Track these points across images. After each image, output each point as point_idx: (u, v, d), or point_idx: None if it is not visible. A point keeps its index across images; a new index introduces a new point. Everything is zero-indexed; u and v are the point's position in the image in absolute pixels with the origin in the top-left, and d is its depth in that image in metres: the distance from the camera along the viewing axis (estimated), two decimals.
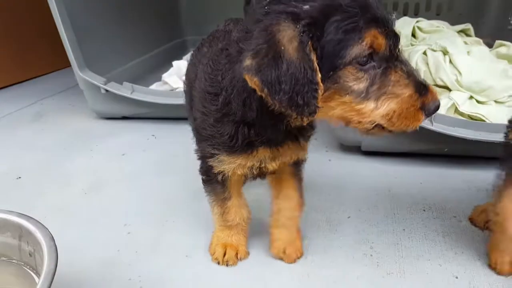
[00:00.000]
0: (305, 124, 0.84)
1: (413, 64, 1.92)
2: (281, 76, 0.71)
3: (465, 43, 2.01)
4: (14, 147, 2.11)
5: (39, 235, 0.84)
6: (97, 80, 2.18)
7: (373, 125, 0.81)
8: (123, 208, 1.50)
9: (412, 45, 2.16)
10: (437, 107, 0.80)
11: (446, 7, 2.81)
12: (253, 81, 0.73)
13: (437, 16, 2.79)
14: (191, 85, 1.16)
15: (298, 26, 0.70)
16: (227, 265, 1.18)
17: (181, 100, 2.10)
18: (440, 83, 1.84)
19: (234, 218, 1.17)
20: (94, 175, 1.76)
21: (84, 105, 2.42)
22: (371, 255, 1.18)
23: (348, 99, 0.79)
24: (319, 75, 0.73)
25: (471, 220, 1.30)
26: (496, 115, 1.71)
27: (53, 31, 2.13)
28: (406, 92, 0.77)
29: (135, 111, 2.26)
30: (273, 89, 0.72)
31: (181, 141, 2.03)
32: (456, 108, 1.75)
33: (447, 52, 1.86)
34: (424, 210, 1.37)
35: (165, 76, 2.50)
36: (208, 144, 1.00)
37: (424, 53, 1.94)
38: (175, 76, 2.46)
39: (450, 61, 1.85)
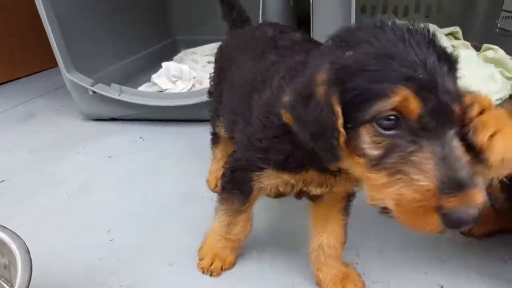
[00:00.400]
0: (331, 169, 0.79)
1: None
2: (308, 114, 0.69)
3: (453, 46, 2.02)
4: (0, 148, 2.08)
5: (13, 246, 0.83)
6: (85, 82, 2.15)
7: (383, 205, 0.68)
8: (107, 213, 1.48)
9: None
10: (464, 221, 0.60)
11: (435, 9, 2.83)
12: (286, 116, 0.74)
13: (426, 18, 2.80)
14: (247, 88, 1.07)
15: (330, 70, 0.68)
16: (210, 275, 1.15)
17: (169, 102, 2.10)
18: None
19: (238, 232, 1.11)
20: (80, 178, 1.73)
21: (74, 106, 2.38)
22: (357, 263, 1.18)
23: (362, 162, 0.69)
24: (340, 120, 0.66)
25: None
26: None
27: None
28: (423, 181, 0.61)
29: (123, 112, 2.24)
30: (300, 126, 0.72)
31: (169, 143, 2.02)
32: None
33: None
34: None
35: (154, 77, 2.47)
36: (258, 157, 0.92)
37: None
38: (164, 77, 2.44)
39: None
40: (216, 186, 1.55)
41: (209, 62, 2.78)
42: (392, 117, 0.63)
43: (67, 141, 2.11)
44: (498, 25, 2.51)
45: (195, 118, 2.16)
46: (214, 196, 1.49)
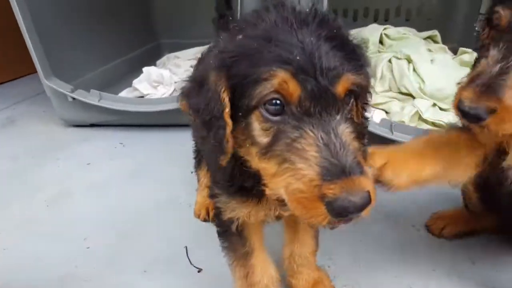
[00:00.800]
0: (223, 164, 0.71)
1: (378, 72, 1.95)
2: (200, 101, 0.68)
3: (429, 50, 2.05)
4: None
5: None
6: (64, 88, 2.14)
7: (279, 195, 0.65)
8: (85, 220, 1.47)
9: (379, 52, 2.19)
10: (347, 208, 0.56)
11: (415, 12, 2.85)
12: (182, 103, 0.73)
13: (407, 21, 2.83)
14: None
15: (218, 56, 0.67)
16: None
17: (149, 107, 2.10)
18: (404, 90, 1.87)
19: (261, 279, 0.97)
20: (58, 185, 1.72)
21: (55, 111, 2.36)
22: (329, 266, 1.20)
23: (254, 151, 0.66)
24: (227, 109, 0.65)
25: (428, 227, 1.32)
26: (459, 122, 1.74)
27: None
28: (306, 170, 0.58)
29: (104, 118, 2.22)
30: (194, 113, 0.70)
31: (149, 149, 2.02)
32: (420, 115, 1.78)
33: (411, 60, 1.90)
34: (383, 219, 1.38)
35: (135, 82, 2.47)
36: (213, 181, 0.88)
37: (390, 61, 1.97)
38: (146, 82, 2.44)
39: (414, 69, 1.88)
40: (204, 217, 1.43)
41: (191, 67, 2.77)
42: (277, 102, 0.62)
43: (47, 148, 2.09)
44: (476, 28, 2.54)
45: (177, 123, 2.16)
46: (192, 202, 1.50)
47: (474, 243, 1.25)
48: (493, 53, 0.78)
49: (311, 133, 0.60)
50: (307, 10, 0.69)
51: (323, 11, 0.70)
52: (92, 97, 2.12)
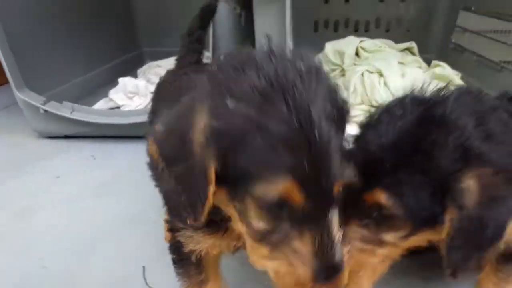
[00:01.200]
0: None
1: (351, 85, 1.95)
2: (178, 159, 0.61)
3: (402, 63, 2.05)
4: None
5: None
6: (36, 100, 2.11)
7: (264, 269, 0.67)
8: (46, 238, 1.45)
9: (355, 64, 2.19)
10: None
11: (395, 23, 2.86)
12: (152, 148, 0.64)
13: (387, 32, 2.84)
14: None
15: (208, 128, 0.58)
16: None
17: (122, 120, 2.08)
18: (375, 104, 1.87)
19: None
20: (23, 200, 1.69)
21: (28, 123, 2.33)
22: None
23: (243, 226, 0.65)
24: (212, 188, 0.59)
25: None
26: None
27: None
28: (301, 269, 0.60)
29: (77, 130, 2.20)
30: (167, 165, 0.62)
31: (120, 162, 1.99)
32: None
33: (383, 74, 1.90)
34: None
35: (112, 93, 2.45)
36: (174, 215, 0.84)
37: (362, 74, 1.98)
38: (121, 93, 2.42)
39: (385, 83, 1.88)
40: None
41: None
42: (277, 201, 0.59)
43: (16, 160, 2.07)
44: (452, 40, 2.56)
45: None
46: (159, 218, 1.47)
47: (421, 260, 1.22)
48: None
49: (308, 238, 0.60)
50: (310, 70, 0.60)
51: (320, 70, 0.63)
52: (65, 109, 2.10)
